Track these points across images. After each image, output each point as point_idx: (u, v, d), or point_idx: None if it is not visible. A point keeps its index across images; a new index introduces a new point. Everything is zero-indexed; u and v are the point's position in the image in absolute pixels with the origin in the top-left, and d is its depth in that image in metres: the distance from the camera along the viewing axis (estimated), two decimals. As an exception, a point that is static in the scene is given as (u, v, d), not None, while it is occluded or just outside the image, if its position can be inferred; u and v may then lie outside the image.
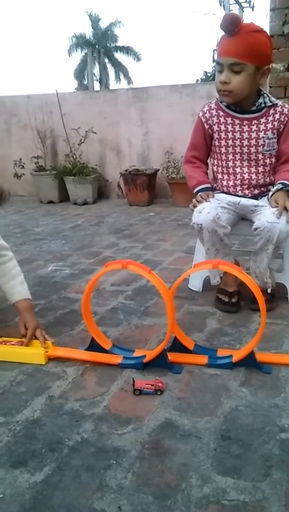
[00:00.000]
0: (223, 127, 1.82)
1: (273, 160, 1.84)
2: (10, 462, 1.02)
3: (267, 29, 3.62)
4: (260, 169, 1.84)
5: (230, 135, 1.81)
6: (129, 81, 29.66)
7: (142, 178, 4.57)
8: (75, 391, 1.30)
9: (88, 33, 28.86)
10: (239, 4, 6.77)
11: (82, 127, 4.96)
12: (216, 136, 1.85)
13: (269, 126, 1.78)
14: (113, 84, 29.14)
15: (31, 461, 1.02)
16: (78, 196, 4.86)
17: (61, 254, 2.81)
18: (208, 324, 1.73)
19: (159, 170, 4.79)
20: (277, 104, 1.78)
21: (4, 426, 1.15)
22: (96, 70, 28.29)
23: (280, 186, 1.74)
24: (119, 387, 1.31)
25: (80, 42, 27.93)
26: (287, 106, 1.79)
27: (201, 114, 1.87)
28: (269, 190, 1.83)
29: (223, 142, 1.84)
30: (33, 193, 5.25)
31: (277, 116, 1.77)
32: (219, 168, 1.91)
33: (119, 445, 1.07)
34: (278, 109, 1.77)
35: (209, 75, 17.94)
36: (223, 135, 1.83)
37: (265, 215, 1.68)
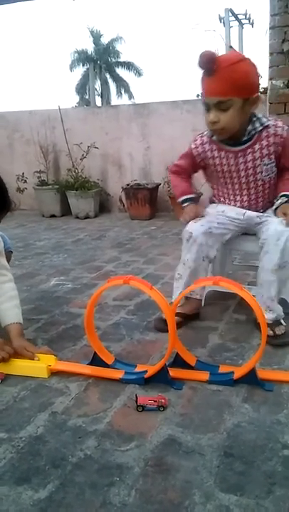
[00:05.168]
0: (218, 161, 1.79)
1: (273, 181, 1.82)
2: (14, 479, 1.03)
3: (267, 46, 3.70)
4: (260, 194, 1.83)
5: (225, 168, 1.79)
6: (131, 96, 30.06)
7: (144, 193, 4.61)
8: (78, 407, 1.30)
9: (90, 48, 29.37)
10: (239, 21, 6.88)
11: (84, 142, 5.02)
12: (212, 167, 1.83)
13: (265, 152, 1.72)
14: (114, 99, 29.53)
15: (35, 478, 1.03)
16: (80, 210, 4.89)
17: (63, 269, 2.83)
18: (210, 339, 1.73)
19: (160, 184, 4.83)
20: (268, 125, 1.71)
21: (8, 442, 1.15)
22: (97, 85, 28.65)
23: (285, 199, 1.76)
24: (122, 403, 1.32)
25: (82, 57, 28.38)
26: (279, 124, 1.72)
27: (193, 147, 1.84)
28: (272, 204, 1.85)
29: (220, 174, 1.83)
30: (36, 207, 5.29)
31: (271, 139, 1.71)
32: (220, 193, 1.92)
33: (123, 462, 1.07)
34: (271, 130, 1.70)
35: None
36: (219, 168, 1.81)
37: (273, 223, 1.70)
